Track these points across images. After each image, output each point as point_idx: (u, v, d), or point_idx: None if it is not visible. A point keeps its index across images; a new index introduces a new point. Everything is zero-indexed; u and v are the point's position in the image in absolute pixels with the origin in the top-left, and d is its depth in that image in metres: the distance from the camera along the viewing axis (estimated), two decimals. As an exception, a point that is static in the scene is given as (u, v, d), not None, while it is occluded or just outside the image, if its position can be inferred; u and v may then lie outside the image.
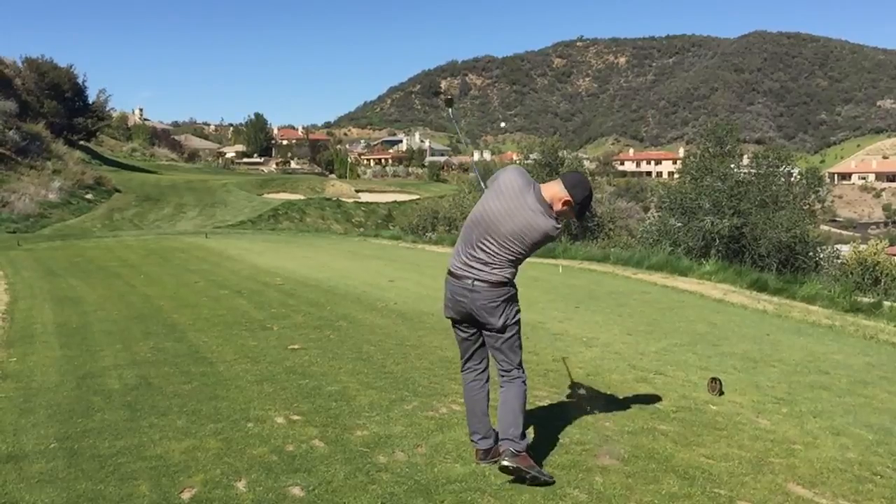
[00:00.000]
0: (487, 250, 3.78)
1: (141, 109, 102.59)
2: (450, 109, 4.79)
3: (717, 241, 19.71)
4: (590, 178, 3.98)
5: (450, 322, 4.08)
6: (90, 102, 55.18)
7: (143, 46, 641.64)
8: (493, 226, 3.76)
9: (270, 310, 8.91)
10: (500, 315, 3.81)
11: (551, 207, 3.77)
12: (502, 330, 3.84)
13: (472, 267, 3.81)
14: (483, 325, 3.88)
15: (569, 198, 3.79)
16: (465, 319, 3.92)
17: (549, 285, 11.66)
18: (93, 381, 5.59)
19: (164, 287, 10.96)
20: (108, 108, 60.54)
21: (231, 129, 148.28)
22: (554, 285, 11.76)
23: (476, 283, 3.78)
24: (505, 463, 3.69)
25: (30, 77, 50.32)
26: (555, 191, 3.81)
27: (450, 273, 3.92)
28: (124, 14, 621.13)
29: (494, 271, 3.78)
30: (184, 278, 12.07)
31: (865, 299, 11.33)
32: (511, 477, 3.71)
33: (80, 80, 53.60)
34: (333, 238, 25.36)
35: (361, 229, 34.46)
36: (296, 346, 6.79)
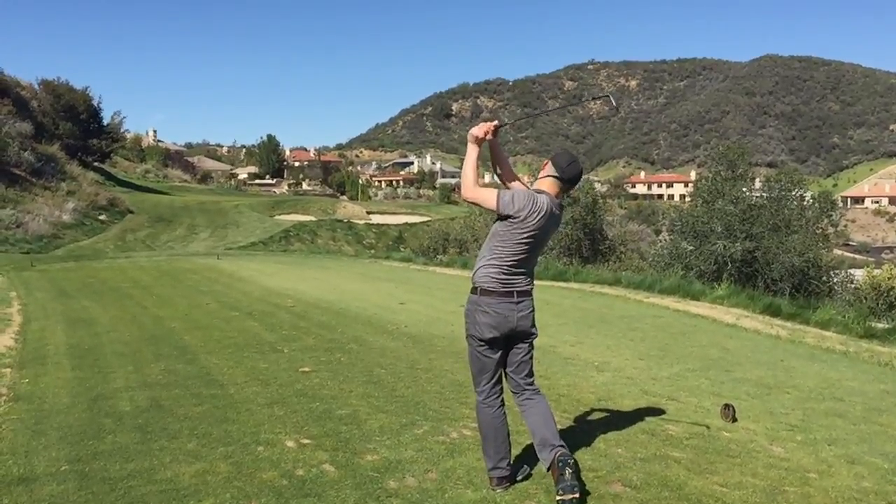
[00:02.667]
0: (525, 265, 3.98)
1: (155, 131, 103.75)
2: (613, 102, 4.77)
3: (730, 264, 19.60)
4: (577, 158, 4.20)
5: (469, 344, 4.06)
6: (105, 124, 55.70)
7: (158, 69, 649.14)
8: (534, 253, 4.03)
9: (281, 332, 8.92)
10: (535, 323, 4.03)
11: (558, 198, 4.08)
12: (533, 342, 4.08)
13: (513, 282, 3.94)
14: (520, 339, 4.01)
15: (570, 189, 4.19)
16: (504, 338, 3.97)
17: (559, 309, 11.62)
18: (104, 402, 5.60)
19: (175, 308, 10.99)
20: (122, 130, 61.18)
21: (243, 150, 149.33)
22: (565, 309, 11.73)
23: (517, 294, 3.94)
24: (572, 466, 3.75)
25: (46, 99, 50.92)
26: (557, 188, 4.06)
27: (487, 292, 3.93)
28: (141, 37, 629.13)
29: (527, 281, 4.01)
30: (195, 300, 12.11)
31: (880, 325, 11.23)
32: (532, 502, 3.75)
33: (95, 102, 54.15)
34: (344, 260, 25.41)
35: (372, 251, 34.51)
36: (306, 369, 6.79)
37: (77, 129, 50.46)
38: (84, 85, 64.42)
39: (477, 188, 3.98)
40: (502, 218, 3.92)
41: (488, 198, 3.94)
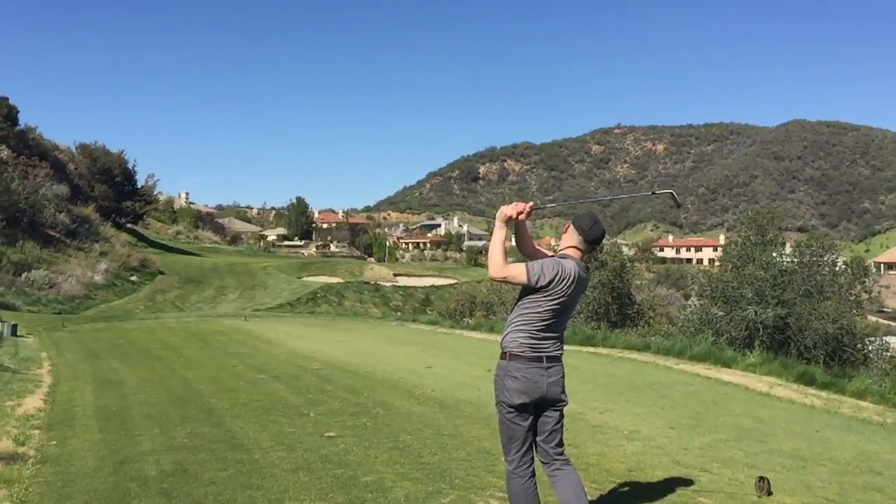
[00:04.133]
0: (554, 330, 3.97)
1: (187, 193, 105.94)
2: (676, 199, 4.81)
3: (761, 331, 19.29)
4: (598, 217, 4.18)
5: (498, 411, 4.01)
6: (139, 186, 56.98)
7: (192, 133, 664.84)
8: (563, 317, 4.01)
9: (307, 395, 8.89)
10: (565, 390, 3.99)
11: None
12: (563, 409, 4.03)
13: (542, 347, 3.92)
14: (550, 406, 3.96)
15: (594, 249, 4.20)
16: (534, 404, 3.93)
17: (588, 374, 11.47)
18: (130, 466, 5.59)
19: (203, 370, 11.03)
20: (155, 192, 62.45)
21: (273, 212, 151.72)
22: (594, 374, 11.57)
23: (547, 359, 3.92)
24: None
25: (82, 162, 52.40)
26: (582, 251, 4.06)
27: (516, 357, 3.91)
28: (177, 102, 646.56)
29: (557, 346, 3.99)
30: (223, 362, 12.15)
31: (918, 395, 10.92)
32: None
33: (130, 165, 55.58)
34: (371, 322, 25.41)
35: (399, 313, 34.53)
36: (332, 434, 6.73)
37: (112, 191, 51.68)
38: (120, 148, 66.37)
39: (505, 267, 3.93)
40: (532, 290, 3.91)
41: (518, 274, 3.91)
